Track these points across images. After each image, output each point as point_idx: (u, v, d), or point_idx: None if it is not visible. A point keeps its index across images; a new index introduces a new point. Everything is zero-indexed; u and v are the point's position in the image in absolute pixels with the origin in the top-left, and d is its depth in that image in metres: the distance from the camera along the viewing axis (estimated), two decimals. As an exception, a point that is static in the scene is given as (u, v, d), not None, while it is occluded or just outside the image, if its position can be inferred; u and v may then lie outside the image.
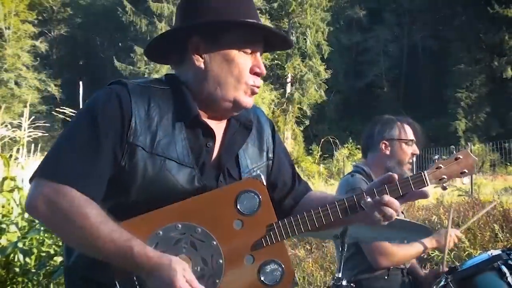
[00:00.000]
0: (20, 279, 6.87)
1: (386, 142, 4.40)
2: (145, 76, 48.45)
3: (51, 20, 62.72)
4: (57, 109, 8.97)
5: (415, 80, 56.82)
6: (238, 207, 2.21)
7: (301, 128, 52.09)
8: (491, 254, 3.47)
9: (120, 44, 59.72)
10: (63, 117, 8.20)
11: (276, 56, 50.62)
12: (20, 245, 6.43)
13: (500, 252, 3.47)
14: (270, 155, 2.60)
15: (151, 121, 2.25)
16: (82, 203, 2.11)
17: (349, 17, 59.73)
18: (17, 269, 6.62)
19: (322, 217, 2.31)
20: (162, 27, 53.73)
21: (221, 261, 2.17)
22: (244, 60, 2.33)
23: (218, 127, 2.43)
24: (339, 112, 56.35)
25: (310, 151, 47.74)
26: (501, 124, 48.65)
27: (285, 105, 50.50)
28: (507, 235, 8.51)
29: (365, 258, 4.18)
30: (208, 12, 2.30)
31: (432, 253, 7.92)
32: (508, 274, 3.31)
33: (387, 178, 2.38)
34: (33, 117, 9.12)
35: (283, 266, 2.23)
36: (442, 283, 3.48)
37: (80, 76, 40.54)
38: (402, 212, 4.55)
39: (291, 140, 50.81)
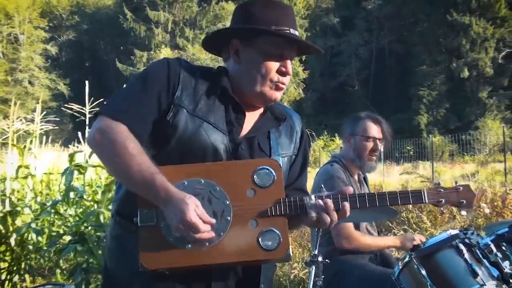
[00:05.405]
0: (33, 255, 6.87)
1: (349, 137, 4.44)
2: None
3: (60, 26, 62.44)
4: (65, 105, 8.92)
5: (382, 79, 57.03)
6: (255, 178, 2.27)
7: (282, 122, 52.21)
8: (450, 233, 3.47)
9: (121, 47, 59.61)
10: (71, 112, 8.18)
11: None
12: (33, 225, 6.43)
13: (458, 231, 3.47)
14: (295, 151, 2.66)
15: (196, 93, 2.40)
16: (125, 135, 2.21)
17: (324, 23, 59.86)
18: (30, 247, 6.62)
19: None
20: (159, 32, 53.62)
21: (229, 218, 2.20)
22: (272, 61, 2.42)
23: (254, 113, 2.54)
24: (315, 108, 56.48)
25: (290, 143, 47.87)
26: (459, 118, 49.07)
27: (268, 101, 50.62)
28: (464, 216, 8.55)
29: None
30: (249, 20, 2.42)
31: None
32: (465, 251, 3.31)
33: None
34: (44, 112, 9.08)
35: (281, 237, 2.23)
36: (407, 259, 3.48)
37: (86, 76, 40.40)
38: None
39: (274, 132, 50.95)
